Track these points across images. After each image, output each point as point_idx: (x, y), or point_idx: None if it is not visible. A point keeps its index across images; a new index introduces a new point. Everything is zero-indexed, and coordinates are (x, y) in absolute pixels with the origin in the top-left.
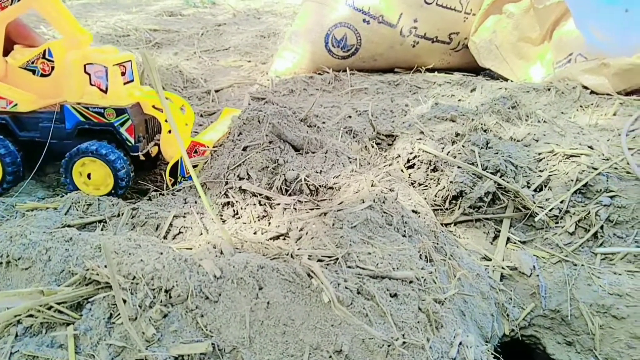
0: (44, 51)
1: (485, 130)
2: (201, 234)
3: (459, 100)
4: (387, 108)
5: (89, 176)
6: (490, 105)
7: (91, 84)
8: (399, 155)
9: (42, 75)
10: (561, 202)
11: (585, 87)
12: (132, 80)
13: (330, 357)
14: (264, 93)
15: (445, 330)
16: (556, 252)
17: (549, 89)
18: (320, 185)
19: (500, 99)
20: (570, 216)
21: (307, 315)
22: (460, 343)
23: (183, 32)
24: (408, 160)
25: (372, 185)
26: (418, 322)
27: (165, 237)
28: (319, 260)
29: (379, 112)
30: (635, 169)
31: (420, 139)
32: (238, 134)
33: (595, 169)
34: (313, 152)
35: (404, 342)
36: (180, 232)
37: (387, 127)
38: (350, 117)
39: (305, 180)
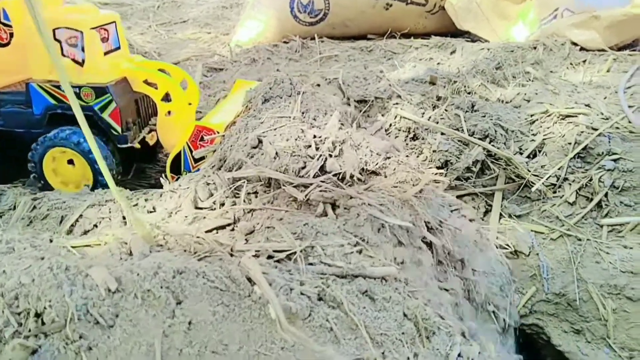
0: None
1: (469, 93)
2: (121, 227)
3: (438, 63)
4: (360, 75)
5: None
6: (473, 66)
7: (63, 55)
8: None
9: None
10: (559, 168)
11: (575, 44)
12: (118, 48)
13: None
14: (222, 63)
15: (439, 338)
16: (556, 226)
17: (535, 47)
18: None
19: (483, 60)
20: (570, 184)
21: (246, 337)
22: (460, 355)
23: (137, 5)
24: (385, 129)
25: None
26: (403, 333)
27: (70, 232)
28: (270, 257)
29: (351, 80)
30: (639, 126)
31: (397, 104)
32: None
33: (595, 129)
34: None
35: None
36: (95, 226)
37: (360, 93)
38: (318, 85)
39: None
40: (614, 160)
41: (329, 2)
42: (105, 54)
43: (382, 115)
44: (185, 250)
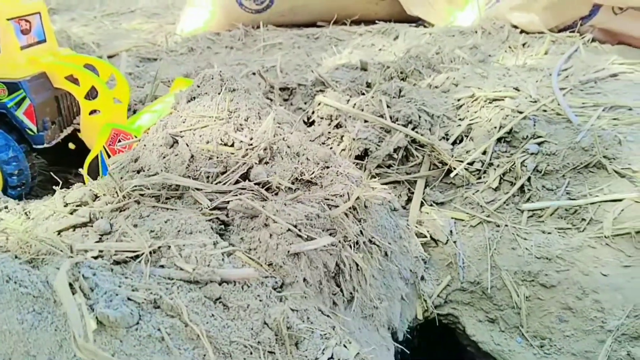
0: None
1: (403, 79)
2: None
3: (380, 49)
4: (301, 63)
5: None
6: (410, 51)
7: None
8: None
9: None
10: (483, 153)
11: (515, 27)
12: (43, 41)
13: None
14: (156, 53)
15: (310, 343)
16: (477, 213)
17: (476, 31)
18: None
19: (424, 45)
20: (495, 169)
21: (57, 348)
22: (331, 357)
23: None
24: (307, 117)
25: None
26: (259, 342)
27: None
28: (117, 263)
29: (292, 68)
30: (567, 108)
31: (321, 90)
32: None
33: (521, 112)
34: None
35: None
36: None
37: (283, 81)
38: (254, 74)
39: None
40: (539, 143)
41: None
42: (26, 47)
43: (305, 103)
44: (18, 250)
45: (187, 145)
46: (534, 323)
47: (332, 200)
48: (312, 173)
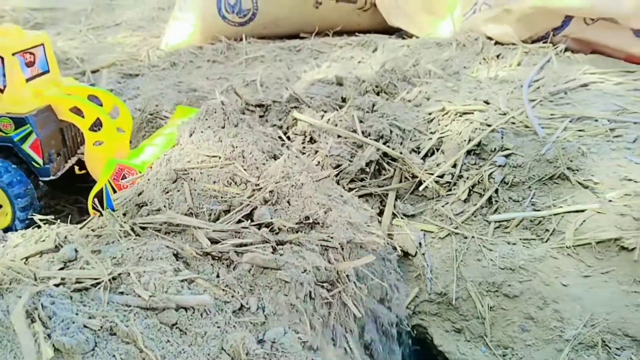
0: None
1: (378, 93)
2: None
3: (358, 62)
4: (282, 76)
5: None
6: (387, 65)
7: None
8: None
9: None
10: (453, 166)
11: (490, 38)
12: (47, 72)
13: None
14: (139, 69)
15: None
16: (446, 225)
17: (451, 43)
18: None
19: (401, 58)
20: (464, 181)
21: None
22: None
23: (70, 9)
24: (284, 133)
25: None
26: None
27: None
28: (77, 291)
29: (272, 81)
30: (534, 120)
31: (296, 107)
32: None
33: (490, 125)
34: None
35: None
36: None
37: (258, 97)
38: (236, 92)
39: None
40: (506, 155)
41: (257, 1)
42: (30, 79)
43: (280, 119)
44: None
45: (190, 185)
46: (498, 333)
47: (330, 242)
48: (317, 215)
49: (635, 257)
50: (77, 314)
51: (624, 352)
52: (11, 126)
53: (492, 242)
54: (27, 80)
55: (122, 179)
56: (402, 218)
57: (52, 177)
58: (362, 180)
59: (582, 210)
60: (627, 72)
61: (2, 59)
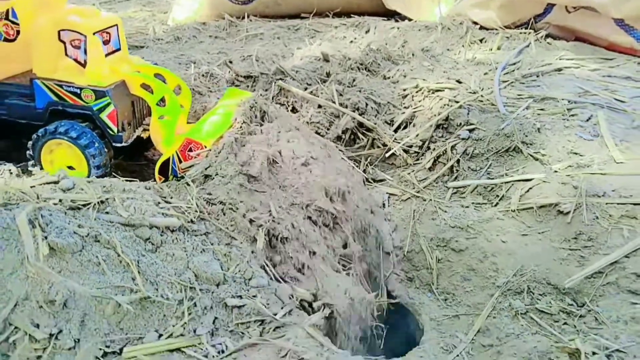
0: (7, 11)
1: (360, 69)
2: None
3: (351, 42)
4: (278, 53)
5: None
6: (375, 44)
7: (67, 55)
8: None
9: (6, 40)
10: (417, 135)
11: (475, 23)
12: (119, 49)
13: (41, 307)
14: (143, 42)
15: (255, 281)
16: (409, 189)
17: (436, 27)
18: None
19: (390, 39)
20: (431, 152)
21: (19, 264)
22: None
23: None
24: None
25: None
26: (180, 276)
27: None
28: (71, 209)
29: (268, 57)
30: (498, 99)
31: (281, 79)
32: None
33: (458, 102)
34: None
35: (148, 297)
36: None
37: (247, 69)
38: (231, 62)
39: None
40: (470, 130)
41: None
42: (106, 55)
43: (266, 90)
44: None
45: None
46: (444, 281)
47: None
48: None
49: (569, 220)
50: (69, 224)
51: (545, 297)
52: (92, 97)
53: (447, 205)
54: (105, 56)
55: (188, 151)
56: (370, 182)
57: (124, 144)
58: (336, 147)
59: (530, 179)
60: (605, 59)
61: (85, 37)
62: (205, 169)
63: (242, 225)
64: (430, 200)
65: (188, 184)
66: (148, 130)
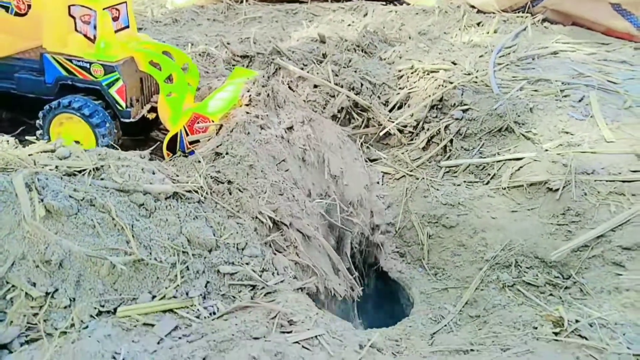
0: None
1: (356, 51)
2: None
3: (348, 25)
4: (276, 36)
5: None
6: (371, 26)
7: (77, 31)
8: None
9: (17, 14)
10: (411, 116)
11: (473, 6)
12: (127, 27)
13: (37, 266)
14: (142, 23)
15: (249, 250)
16: (402, 168)
17: (434, 11)
18: None
19: (388, 22)
20: (425, 132)
21: (16, 225)
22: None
23: None
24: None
25: None
26: (175, 244)
27: None
28: (67, 175)
29: (265, 40)
30: (492, 80)
31: (276, 58)
32: None
33: (452, 83)
34: None
35: (142, 260)
36: None
37: (244, 49)
38: (229, 43)
39: None
40: (464, 110)
41: None
42: (115, 32)
43: (262, 69)
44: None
45: None
46: (434, 257)
47: None
48: None
49: (558, 197)
50: (64, 188)
51: (532, 270)
52: (101, 72)
53: (440, 183)
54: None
55: (195, 124)
56: (366, 161)
57: (131, 119)
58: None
59: (521, 158)
60: (602, 44)
61: (95, 12)
62: (217, 146)
63: (247, 205)
64: (423, 178)
65: (199, 161)
66: (154, 111)
